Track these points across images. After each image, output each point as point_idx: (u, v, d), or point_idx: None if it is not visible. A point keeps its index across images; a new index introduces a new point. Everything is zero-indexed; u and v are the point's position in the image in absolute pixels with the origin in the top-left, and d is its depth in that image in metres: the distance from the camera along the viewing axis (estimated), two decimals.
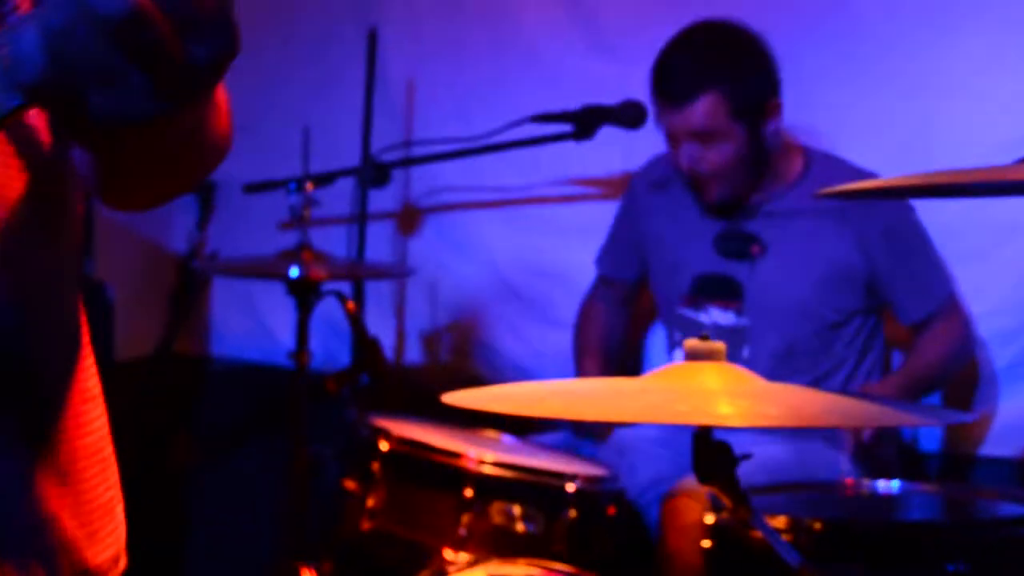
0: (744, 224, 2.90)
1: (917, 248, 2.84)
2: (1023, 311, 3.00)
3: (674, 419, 1.74)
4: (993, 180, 1.93)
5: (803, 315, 2.85)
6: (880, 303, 2.89)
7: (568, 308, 3.44)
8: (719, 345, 1.94)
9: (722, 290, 2.90)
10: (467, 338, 3.61)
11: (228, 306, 3.95)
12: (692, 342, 1.94)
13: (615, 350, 3.19)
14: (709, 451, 1.87)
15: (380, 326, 3.66)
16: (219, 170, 3.79)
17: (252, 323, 3.89)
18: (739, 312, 2.88)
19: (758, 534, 2.04)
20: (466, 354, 3.62)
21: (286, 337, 3.61)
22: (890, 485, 2.44)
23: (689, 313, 2.94)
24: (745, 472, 2.20)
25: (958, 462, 3.09)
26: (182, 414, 3.90)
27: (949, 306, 2.87)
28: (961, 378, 3.00)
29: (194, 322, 3.97)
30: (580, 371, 3.13)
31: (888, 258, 2.81)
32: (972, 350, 2.96)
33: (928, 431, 3.11)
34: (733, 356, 2.88)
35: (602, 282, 3.23)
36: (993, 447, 3.06)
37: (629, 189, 3.15)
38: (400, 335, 3.70)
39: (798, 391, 1.90)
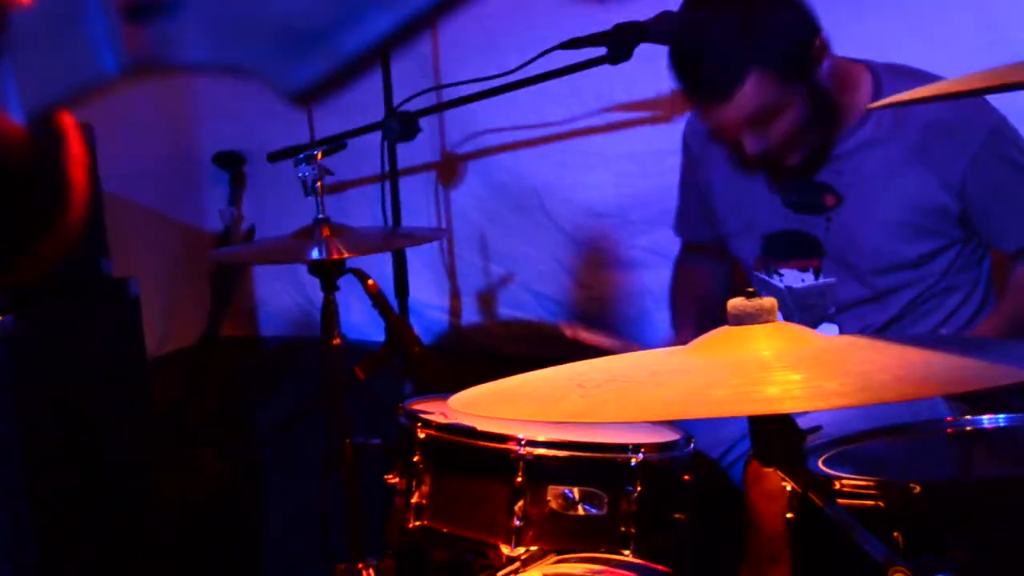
0: (814, 172, 2.53)
1: (1013, 175, 2.46)
2: None
3: (710, 410, 1.45)
4: None
5: (891, 262, 2.51)
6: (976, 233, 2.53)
7: (630, 248, 3.17)
8: (768, 302, 1.66)
9: (797, 249, 2.56)
10: (524, 289, 3.34)
11: (272, 282, 3.74)
12: (736, 302, 1.66)
13: (716, 310, 2.86)
14: (768, 427, 1.60)
15: (433, 289, 3.43)
16: (247, 139, 3.58)
17: (299, 297, 3.67)
18: (818, 271, 2.55)
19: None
20: (524, 306, 3.35)
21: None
22: (996, 419, 2.14)
23: (764, 277, 2.62)
24: (841, 416, 1.92)
25: None
26: (229, 406, 3.71)
27: None
28: None
29: (239, 303, 3.76)
30: (678, 340, 2.83)
31: (979, 192, 2.44)
32: None
33: None
34: (816, 316, 2.60)
35: (687, 247, 2.92)
36: None
37: (683, 143, 2.79)
38: (454, 295, 3.44)
39: (867, 349, 1.60)
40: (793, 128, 2.41)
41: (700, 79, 2.42)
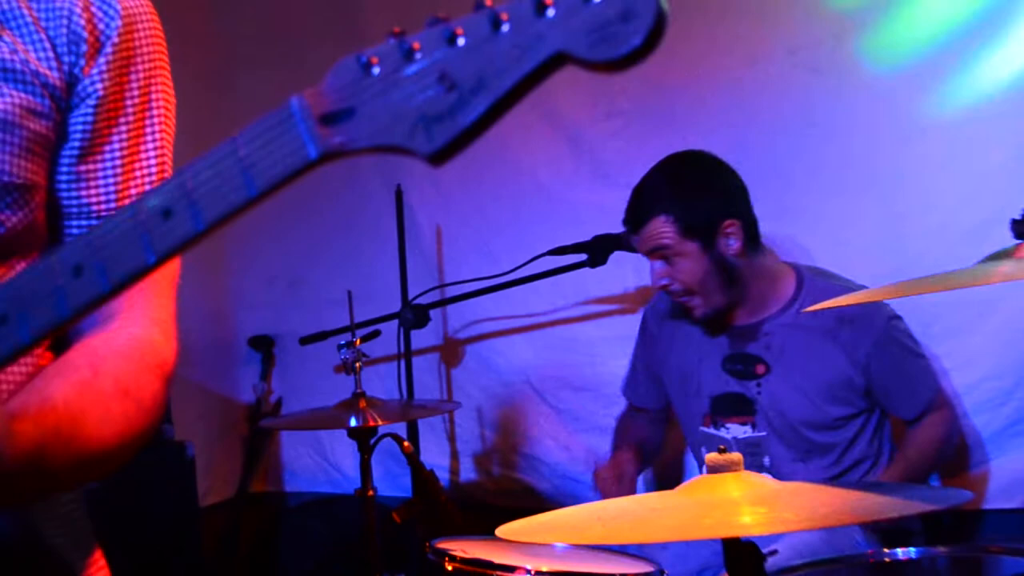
0: (747, 346, 3.17)
1: (904, 358, 3.09)
2: (1012, 374, 3.31)
3: (703, 534, 2.03)
4: (953, 285, 2.26)
5: (810, 423, 3.11)
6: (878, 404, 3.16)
7: (600, 415, 3.75)
8: (736, 456, 2.23)
9: (736, 407, 3.17)
10: (514, 451, 3.92)
11: (296, 446, 4.29)
12: (712, 456, 2.25)
13: (649, 452, 3.45)
14: (738, 552, 2.18)
15: (435, 451, 4.00)
16: (277, 325, 4.18)
17: (320, 459, 4.22)
18: (754, 426, 3.16)
19: None
20: (514, 466, 3.93)
21: (351, 468, 3.97)
22: (908, 551, 2.70)
23: (711, 431, 3.22)
24: (782, 558, 2.48)
25: (967, 518, 3.38)
26: (262, 555, 4.20)
27: (938, 401, 3.13)
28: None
29: (268, 464, 4.30)
30: (615, 459, 3.35)
31: (880, 370, 3.07)
32: (958, 436, 3.23)
33: None
34: (754, 465, 3.18)
35: (631, 408, 3.51)
36: (997, 501, 3.35)
37: (642, 322, 3.42)
38: (454, 456, 4.02)
39: (811, 490, 2.16)
40: (692, 280, 3.07)
41: (627, 210, 3.12)
